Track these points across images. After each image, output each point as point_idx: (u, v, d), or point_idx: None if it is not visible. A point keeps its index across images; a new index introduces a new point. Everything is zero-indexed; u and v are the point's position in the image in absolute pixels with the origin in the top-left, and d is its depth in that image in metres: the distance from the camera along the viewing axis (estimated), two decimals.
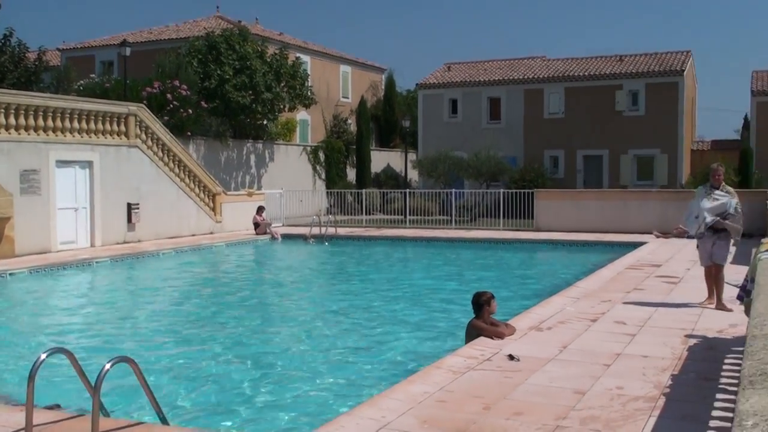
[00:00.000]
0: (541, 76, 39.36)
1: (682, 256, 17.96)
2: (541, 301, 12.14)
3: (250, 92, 32.42)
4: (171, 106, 29.50)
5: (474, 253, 22.48)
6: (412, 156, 42.44)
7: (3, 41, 29.35)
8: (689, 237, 12.42)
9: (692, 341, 9.03)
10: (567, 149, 38.32)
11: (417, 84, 43.06)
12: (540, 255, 22.34)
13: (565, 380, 7.37)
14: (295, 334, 11.74)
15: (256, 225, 26.06)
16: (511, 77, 40.06)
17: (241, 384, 8.84)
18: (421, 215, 29.99)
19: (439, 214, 30.67)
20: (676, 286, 13.64)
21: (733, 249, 11.76)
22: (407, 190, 30.98)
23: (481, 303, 9.26)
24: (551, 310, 11.16)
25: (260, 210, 26.49)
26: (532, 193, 26.91)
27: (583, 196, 27.06)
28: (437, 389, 7.11)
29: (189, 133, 30.23)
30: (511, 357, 8.21)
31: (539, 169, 36.21)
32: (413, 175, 42.07)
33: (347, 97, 47.99)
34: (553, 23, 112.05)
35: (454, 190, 29.59)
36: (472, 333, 9.25)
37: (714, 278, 11.31)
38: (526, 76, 39.76)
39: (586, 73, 38.48)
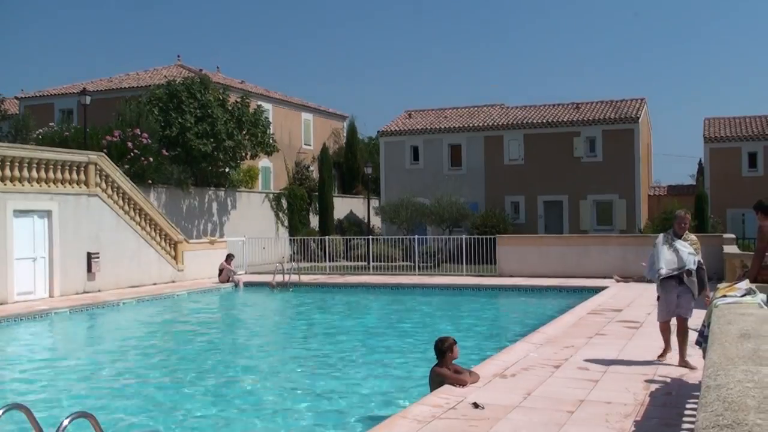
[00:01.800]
0: (500, 123, 39.97)
1: (643, 300, 18.19)
2: (504, 348, 12.19)
3: (212, 140, 32.38)
4: (132, 154, 29.32)
5: (437, 299, 22.53)
6: (374, 202, 42.62)
7: None
8: (649, 281, 12.46)
9: (653, 386, 9.12)
10: (528, 195, 38.79)
11: (378, 131, 43.44)
12: (502, 300, 22.45)
13: (529, 428, 7.38)
14: (258, 383, 11.61)
15: (221, 272, 25.88)
16: (471, 124, 40.62)
17: None
18: (384, 261, 30.03)
19: (403, 260, 30.73)
20: (637, 330, 13.79)
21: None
22: (370, 237, 31.06)
23: (443, 349, 9.26)
24: (515, 356, 11.20)
25: (229, 258, 26.35)
26: (494, 238, 27.13)
27: (545, 241, 27.35)
28: None
29: (150, 181, 30.04)
30: (475, 405, 8.20)
31: (501, 214, 36.56)
32: (376, 221, 42.20)
33: (309, 145, 48.16)
34: (511, 71, 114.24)
35: (416, 236, 29.72)
36: (436, 380, 9.23)
37: (678, 332, 10.27)
38: (485, 124, 40.34)
39: (544, 120, 39.19)
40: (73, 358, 14.38)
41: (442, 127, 41.18)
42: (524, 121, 39.60)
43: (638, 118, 37.62)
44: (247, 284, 25.65)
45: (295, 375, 12.34)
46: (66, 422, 5.49)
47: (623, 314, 16.09)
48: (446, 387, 9.00)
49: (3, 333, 16.81)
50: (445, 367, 9.23)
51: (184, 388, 11.31)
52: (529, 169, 38.81)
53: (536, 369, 10.26)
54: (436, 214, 35.65)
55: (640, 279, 22.08)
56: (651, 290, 18.15)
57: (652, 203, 40.29)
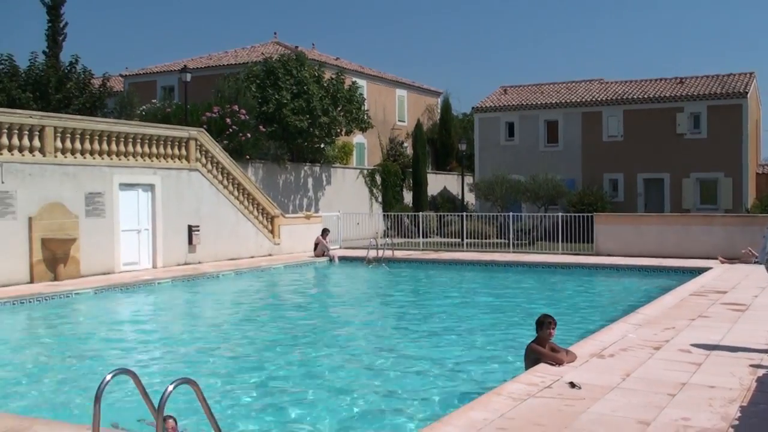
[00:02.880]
0: (599, 99, 38.96)
1: (749, 283, 17.45)
2: (602, 328, 11.93)
3: (308, 116, 32.78)
4: (230, 130, 30.01)
5: (532, 276, 22.23)
6: (468, 179, 42.33)
7: (69, 68, 30.26)
8: (756, 262, 11.97)
9: (761, 372, 8.75)
10: (627, 172, 37.73)
11: (473, 107, 43.04)
12: (600, 280, 21.96)
13: (628, 410, 7.20)
14: (353, 356, 11.74)
15: (316, 246, 26.29)
16: (568, 100, 39.74)
17: (296, 406, 8.86)
18: (478, 238, 29.82)
19: (497, 238, 30.45)
20: (743, 314, 13.24)
21: None
22: (464, 213, 30.86)
23: (541, 327, 9.13)
24: (613, 336, 10.94)
25: (325, 232, 26.76)
26: (592, 216, 26.53)
27: (645, 220, 26.55)
28: (497, 416, 7.02)
29: (248, 157, 30.69)
30: (572, 384, 8.06)
31: (598, 192, 35.72)
32: (470, 198, 41.93)
33: (403, 121, 48.16)
34: (611, 45, 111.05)
35: (511, 214, 29.37)
36: (531, 357, 9.12)
37: None
38: (584, 99, 39.39)
39: (645, 96, 37.94)
40: (176, 326, 14.91)
41: (539, 102, 40.44)
42: (624, 97, 38.46)
43: (747, 93, 35.94)
44: (342, 259, 25.95)
45: (390, 348, 12.41)
46: (170, 388, 5.66)
47: (728, 296, 15.47)
48: (542, 365, 8.88)
49: (111, 301, 17.56)
50: (542, 345, 9.10)
51: (280, 359, 11.55)
52: (629, 145, 37.71)
53: (635, 350, 10.00)
54: (532, 191, 35.12)
55: (747, 260, 21.20)
56: (758, 272, 17.45)
57: (761, 182, 38.55)
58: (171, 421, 6.64)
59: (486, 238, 30.01)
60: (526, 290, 19.95)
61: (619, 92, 39.47)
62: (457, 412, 7.27)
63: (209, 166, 24.34)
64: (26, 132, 18.77)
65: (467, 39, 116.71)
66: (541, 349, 9.07)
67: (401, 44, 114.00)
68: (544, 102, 40.37)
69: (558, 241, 27.01)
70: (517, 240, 28.72)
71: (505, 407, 7.29)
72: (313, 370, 10.79)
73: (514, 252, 26.98)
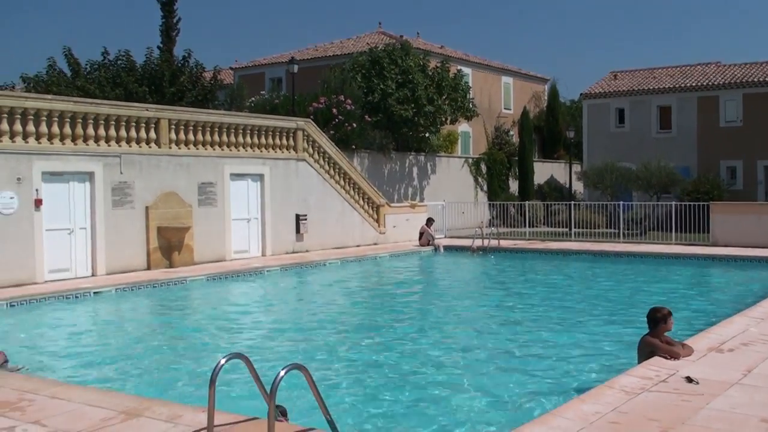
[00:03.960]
0: (716, 83, 37.30)
1: None
2: (720, 321, 11.42)
3: (413, 105, 32.78)
4: (336, 120, 30.36)
5: (644, 267, 21.52)
6: (576, 167, 41.39)
7: (182, 62, 31.28)
8: None
9: None
10: (746, 159, 36.00)
11: (581, 94, 42.01)
12: (716, 271, 21.05)
13: (750, 407, 6.86)
14: (460, 347, 11.67)
15: (421, 235, 26.31)
16: (683, 84, 38.22)
17: (402, 394, 8.87)
18: (587, 228, 29.13)
19: (606, 227, 29.65)
20: None
21: None
22: (572, 202, 30.20)
23: (656, 319, 8.79)
24: (732, 330, 10.45)
25: (429, 222, 26.76)
26: (708, 205, 25.45)
27: (766, 209, 25.25)
28: (610, 410, 6.83)
29: (353, 147, 30.98)
30: (689, 379, 7.74)
31: (715, 180, 34.22)
32: (578, 186, 41.00)
33: (509, 109, 47.53)
34: (728, 27, 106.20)
35: (621, 203, 28.53)
36: (645, 350, 8.81)
37: None
38: (699, 83, 37.79)
39: (766, 79, 36.06)
40: (286, 313, 15.22)
41: (651, 88, 39.08)
42: (743, 80, 36.67)
43: None
44: (447, 248, 25.86)
45: (498, 338, 12.28)
46: (282, 373, 5.75)
47: None
48: (656, 359, 8.58)
49: (223, 288, 18.09)
50: (657, 338, 8.78)
51: (389, 346, 11.59)
52: (749, 131, 35.95)
53: (757, 345, 9.53)
54: (643, 180, 33.98)
55: None
56: None
57: None
58: (282, 408, 6.75)
59: (595, 228, 29.28)
60: (637, 281, 19.34)
61: (738, 75, 37.66)
62: (568, 405, 7.13)
63: (316, 155, 24.70)
64: (143, 125, 19.52)
65: (575, 24, 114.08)
66: (657, 342, 8.75)
67: (507, 31, 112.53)
68: (656, 87, 38.98)
69: (671, 230, 26.05)
70: (628, 230, 27.89)
71: (617, 401, 7.09)
72: (419, 358, 10.78)
73: (624, 242, 26.20)
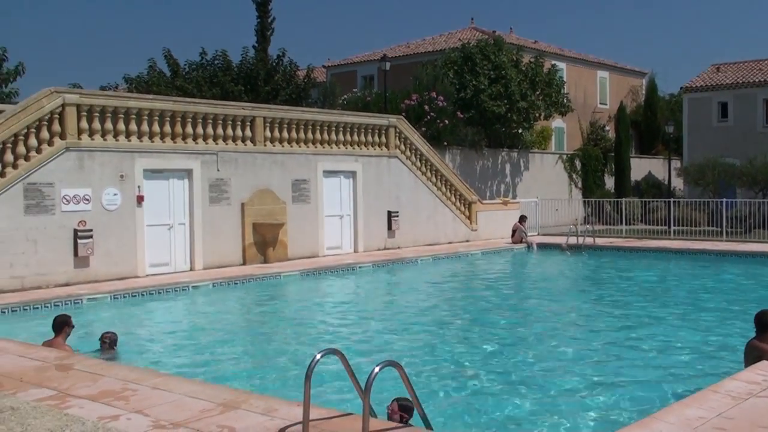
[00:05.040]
0: None
1: None
2: None
3: (505, 101, 32.41)
4: (428, 117, 30.29)
5: (748, 267, 20.61)
6: (676, 163, 40.07)
7: (276, 61, 31.82)
8: None
9: None
10: None
11: (681, 87, 40.62)
12: None
13: None
14: (555, 346, 11.43)
15: (514, 232, 25.97)
16: None
17: (500, 391, 8.73)
18: (687, 226, 28.13)
19: (708, 225, 28.56)
20: None
21: None
22: (671, 199, 29.22)
23: (765, 322, 8.38)
24: None
25: (522, 219, 26.40)
26: None
27: None
28: (715, 415, 6.51)
29: (445, 143, 30.85)
30: None
31: None
32: (677, 183, 39.69)
33: (605, 104, 46.43)
34: None
35: (724, 200, 27.41)
36: (753, 354, 8.40)
37: None
38: None
39: None
40: (379, 309, 15.24)
41: (757, 80, 37.43)
42: None
43: None
44: (540, 245, 25.43)
45: (595, 338, 11.97)
46: (377, 369, 5.71)
47: None
48: (764, 363, 8.16)
49: (316, 283, 18.29)
50: (765, 342, 8.35)
51: (482, 344, 11.45)
52: None
53: None
54: (748, 176, 32.55)
55: None
56: None
57: None
58: (395, 404, 6.70)
59: (696, 226, 28.23)
60: (741, 282, 18.53)
61: None
62: (671, 408, 6.85)
63: (408, 152, 24.68)
64: (239, 123, 19.91)
65: (674, 16, 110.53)
66: (765, 346, 8.33)
67: (603, 25, 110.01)
68: (763, 79, 37.31)
69: None
70: (731, 228, 26.78)
71: (723, 406, 6.75)
72: (516, 357, 10.61)
73: (727, 240, 25.16)
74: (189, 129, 18.70)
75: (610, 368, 9.97)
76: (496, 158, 34.48)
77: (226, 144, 19.56)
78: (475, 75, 32.40)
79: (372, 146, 23.48)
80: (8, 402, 2.13)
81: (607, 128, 44.27)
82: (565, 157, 38.77)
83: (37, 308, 14.01)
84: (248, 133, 20.08)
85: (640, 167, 42.44)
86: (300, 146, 21.38)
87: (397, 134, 24.25)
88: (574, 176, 38.75)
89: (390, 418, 6.70)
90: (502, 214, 27.73)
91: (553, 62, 39.75)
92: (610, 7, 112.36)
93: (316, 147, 21.83)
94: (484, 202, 28.20)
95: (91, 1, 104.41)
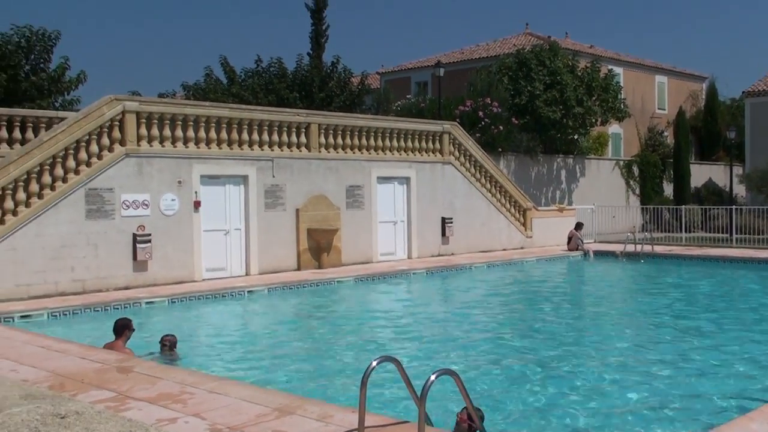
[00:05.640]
0: None
1: None
2: None
3: (561, 107, 32.07)
4: (482, 123, 30.12)
5: None
6: (738, 170, 39.11)
7: (331, 68, 32.02)
8: None
9: None
10: None
11: (744, 92, 39.61)
12: None
13: None
14: (617, 356, 11.19)
15: (569, 240, 25.63)
16: None
17: (560, 400, 8.59)
18: (750, 234, 27.41)
19: None
20: None
21: None
22: (733, 207, 28.51)
23: None
24: None
25: (578, 226, 26.04)
26: None
27: None
28: None
29: (500, 149, 30.63)
30: None
31: None
32: (739, 190, 38.73)
33: (663, 109, 45.60)
34: None
35: None
36: None
37: None
38: None
39: None
40: (434, 316, 15.14)
41: None
42: None
43: None
44: (597, 253, 25.04)
45: (657, 347, 11.71)
46: (433, 377, 5.66)
47: None
48: None
49: (371, 289, 18.29)
50: None
51: (541, 353, 11.29)
52: None
53: None
54: None
55: None
56: None
57: None
58: (465, 412, 6.64)
59: (758, 234, 27.48)
60: None
61: None
62: (734, 423, 6.65)
63: (462, 159, 24.57)
64: (294, 129, 20.06)
65: (735, 19, 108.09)
66: None
67: (661, 29, 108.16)
68: None
69: None
70: None
71: None
72: (578, 367, 10.41)
73: None
74: (245, 135, 18.91)
75: (672, 380, 9.72)
76: (552, 164, 34.11)
77: (282, 150, 19.72)
78: (530, 81, 32.14)
79: (426, 152, 23.43)
80: (73, 406, 2.17)
81: (666, 134, 43.45)
82: (622, 163, 38.17)
83: (98, 311, 14.30)
84: (303, 139, 20.22)
85: (700, 174, 41.53)
86: (354, 152, 21.45)
87: (452, 140, 24.16)
88: (631, 183, 38.12)
89: (458, 425, 6.66)
90: (557, 221, 27.40)
91: (609, 67, 39.20)
92: (668, 11, 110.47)
93: (370, 153, 21.87)
94: (539, 208, 27.90)
95: (150, 11, 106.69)
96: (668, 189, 39.19)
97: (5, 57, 18.79)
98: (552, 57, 33.04)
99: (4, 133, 16.88)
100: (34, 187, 15.28)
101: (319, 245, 20.01)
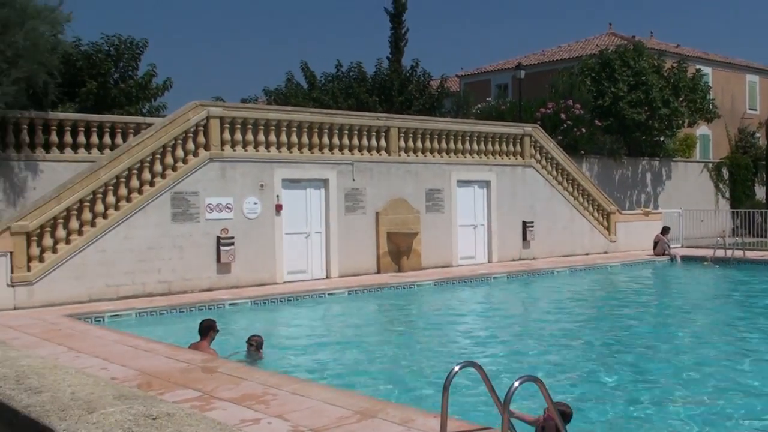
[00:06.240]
0: None
1: None
2: None
3: (646, 108, 31.27)
4: (564, 125, 29.63)
5: None
6: None
7: (410, 72, 32.00)
8: None
9: None
10: None
11: None
12: None
13: None
14: (711, 365, 10.78)
15: (656, 244, 24.93)
16: None
17: (648, 408, 8.32)
18: None
19: None
20: None
21: None
22: None
23: None
24: None
25: (665, 230, 25.30)
26: None
27: None
28: None
29: (582, 152, 30.05)
30: None
31: None
32: None
33: (755, 109, 43.98)
34: None
35: None
36: None
37: None
38: None
39: None
40: (516, 321, 14.95)
41: None
42: None
43: None
44: (684, 258, 24.27)
45: (751, 356, 11.24)
46: (516, 384, 5.54)
47: None
48: None
49: (451, 294, 18.15)
50: None
51: (627, 361, 10.98)
52: None
53: None
54: None
55: None
56: None
57: None
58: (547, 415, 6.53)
59: None
60: None
61: None
62: None
63: (543, 162, 24.20)
64: (374, 133, 20.13)
65: None
66: None
67: (751, 26, 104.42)
68: None
69: None
70: None
71: None
72: (666, 375, 10.08)
73: None
74: (325, 139, 19.07)
75: (754, 396, 9.31)
76: (636, 167, 33.27)
77: (362, 154, 19.80)
78: (613, 82, 31.45)
79: (507, 155, 23.17)
80: (164, 408, 2.21)
81: (758, 135, 41.83)
82: (710, 165, 36.94)
83: (183, 312, 14.62)
84: (383, 143, 20.26)
85: None
86: (434, 156, 21.37)
87: (533, 143, 23.83)
88: (720, 186, 36.84)
89: (542, 424, 6.54)
90: (642, 225, 26.70)
91: (697, 67, 38.04)
92: (759, 7, 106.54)
93: (449, 157, 21.76)
94: (624, 212, 27.24)
95: (232, 19, 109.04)
96: (760, 192, 37.74)
97: (96, 65, 19.42)
98: (636, 57, 32.25)
99: (95, 139, 17.52)
100: (123, 190, 15.76)
101: (398, 248, 20.00)
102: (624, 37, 41.08)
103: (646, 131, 32.20)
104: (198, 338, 10.59)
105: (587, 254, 24.75)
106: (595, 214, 25.56)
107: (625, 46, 33.70)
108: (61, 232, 14.94)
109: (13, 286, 14.25)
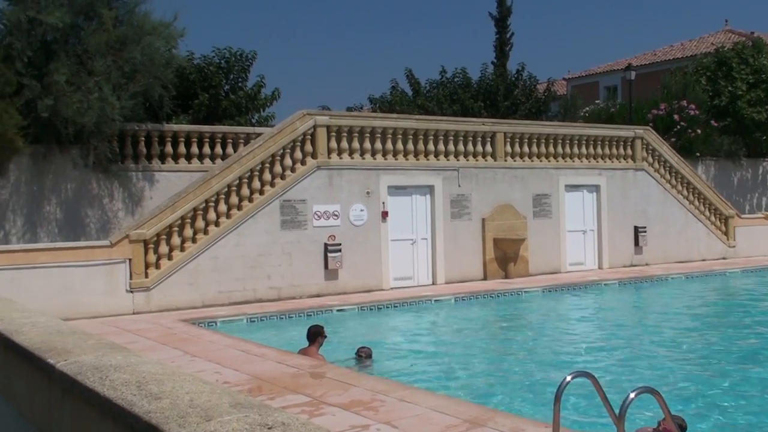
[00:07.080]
0: None
1: None
2: None
3: (767, 107, 29.78)
4: (678, 126, 28.55)
5: None
6: None
7: (516, 76, 31.60)
8: None
9: None
10: None
11: None
12: None
13: None
14: None
15: None
16: None
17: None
18: None
19: None
20: None
21: None
22: None
23: None
24: None
25: None
26: None
27: None
28: None
29: (698, 154, 28.87)
30: None
31: None
32: None
33: None
34: None
35: None
36: None
37: None
38: None
39: None
40: (629, 329, 14.46)
41: None
42: None
43: None
44: None
45: None
46: (632, 395, 5.33)
47: None
48: None
49: (560, 301, 17.78)
50: None
51: (753, 373, 10.44)
52: None
53: None
54: None
55: None
56: None
57: None
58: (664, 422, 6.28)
59: None
60: None
61: None
62: None
63: (656, 165, 23.41)
64: (479, 139, 19.95)
65: None
66: None
67: None
68: None
69: None
70: None
71: None
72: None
73: None
74: (431, 146, 19.03)
75: None
76: (757, 169, 31.70)
77: (467, 160, 19.67)
78: (731, 80, 30.11)
79: (617, 159, 22.54)
80: (279, 417, 2.21)
81: None
82: None
83: (292, 317, 14.86)
84: (488, 148, 20.05)
85: None
86: (541, 160, 21.01)
87: (644, 146, 23.08)
88: None
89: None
90: (764, 229, 25.43)
91: None
92: None
93: (557, 161, 21.35)
94: (743, 216, 26.01)
95: (336, 28, 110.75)
96: None
97: (207, 78, 20.07)
98: (756, 54, 30.79)
99: (207, 149, 18.09)
100: (233, 199, 16.19)
101: (505, 255, 19.74)
102: (741, 33, 39.32)
103: (766, 131, 30.68)
104: (306, 344, 10.73)
105: (704, 260, 23.75)
106: (712, 218, 24.52)
107: (743, 43, 32.24)
108: (176, 240, 15.47)
109: (131, 292, 14.85)
